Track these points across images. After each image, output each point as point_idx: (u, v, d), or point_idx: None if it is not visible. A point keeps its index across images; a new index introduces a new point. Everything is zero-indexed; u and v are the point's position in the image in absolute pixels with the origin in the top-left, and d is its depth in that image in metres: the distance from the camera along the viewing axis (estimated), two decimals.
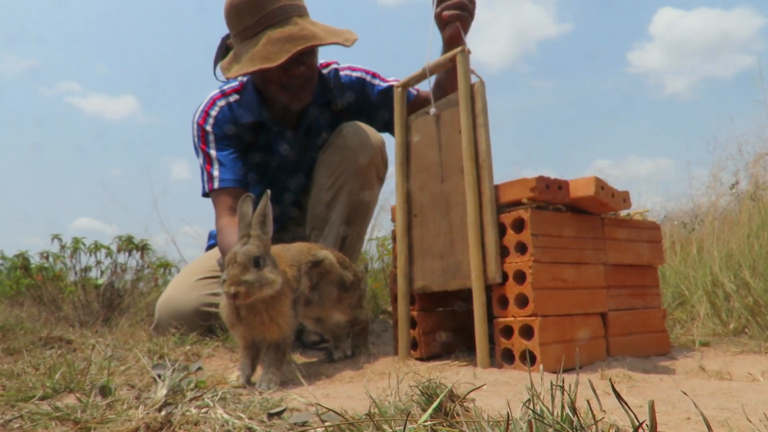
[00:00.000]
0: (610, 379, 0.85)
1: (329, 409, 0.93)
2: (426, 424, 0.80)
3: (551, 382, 0.74)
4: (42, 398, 1.18)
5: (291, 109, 2.18)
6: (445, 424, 0.81)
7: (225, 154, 2.19)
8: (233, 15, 2.04)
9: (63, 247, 3.67)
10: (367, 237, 3.73)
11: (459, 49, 1.69)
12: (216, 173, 2.17)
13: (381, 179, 2.27)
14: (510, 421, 0.71)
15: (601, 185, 1.59)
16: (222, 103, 2.24)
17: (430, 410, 0.82)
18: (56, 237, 3.69)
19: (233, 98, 2.25)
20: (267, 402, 1.08)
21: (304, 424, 0.95)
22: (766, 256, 2.40)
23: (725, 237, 2.81)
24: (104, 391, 1.15)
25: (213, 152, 2.19)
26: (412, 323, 1.80)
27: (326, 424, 0.89)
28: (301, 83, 2.09)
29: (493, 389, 1.23)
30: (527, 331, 1.52)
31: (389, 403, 0.94)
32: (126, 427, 0.92)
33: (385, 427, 0.80)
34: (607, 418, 0.82)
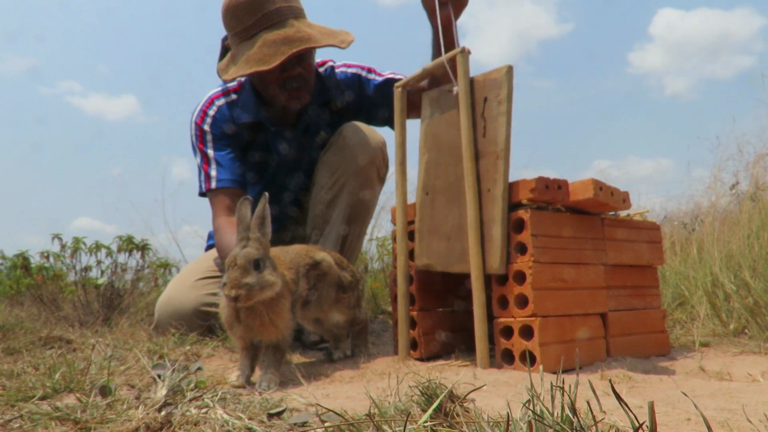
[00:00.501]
0: (610, 380, 0.85)
1: (329, 410, 0.93)
2: (426, 424, 0.80)
3: (551, 383, 0.74)
4: (42, 398, 1.18)
5: (289, 109, 2.18)
6: (445, 425, 0.81)
7: (223, 154, 2.19)
8: (230, 17, 2.04)
9: (63, 246, 3.67)
10: (367, 237, 3.73)
11: (459, 49, 1.69)
12: (213, 173, 2.17)
13: (381, 179, 2.27)
14: (510, 422, 0.71)
15: (599, 186, 1.59)
16: (220, 102, 2.24)
17: (430, 411, 0.82)
18: (56, 237, 3.69)
19: (232, 98, 2.25)
20: (267, 402, 1.08)
21: (303, 424, 0.95)
22: (766, 257, 2.40)
23: (725, 237, 2.81)
24: (104, 391, 1.15)
25: (211, 152, 2.19)
26: (412, 323, 1.80)
27: (326, 424, 0.89)
28: (299, 84, 2.10)
29: (493, 390, 1.23)
30: (527, 332, 1.52)
31: (389, 403, 0.94)
32: (126, 427, 0.92)
33: (385, 427, 0.80)
34: (607, 419, 0.82)
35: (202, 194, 2.23)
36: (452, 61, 1.72)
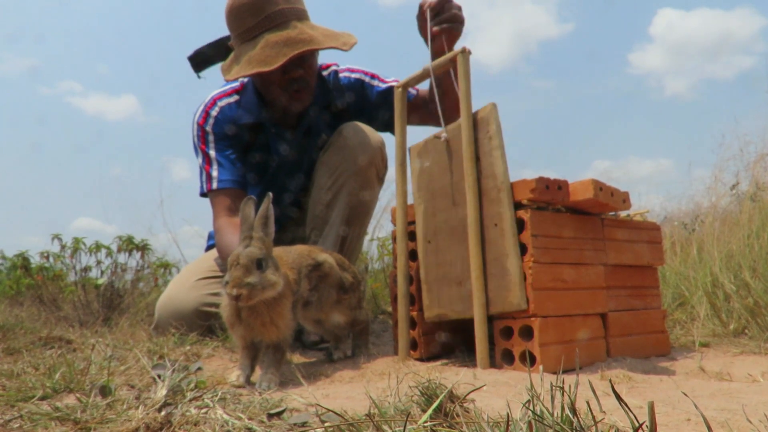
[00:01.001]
0: (610, 380, 0.84)
1: (329, 410, 0.93)
2: (426, 424, 0.80)
3: (551, 383, 0.74)
4: (42, 398, 1.18)
5: (291, 111, 2.19)
6: (444, 425, 0.81)
7: (224, 154, 2.19)
8: (233, 17, 2.05)
9: (63, 247, 3.67)
10: (368, 237, 3.73)
11: (460, 49, 1.69)
12: (215, 173, 2.17)
13: (381, 180, 2.27)
14: (510, 422, 0.71)
15: (599, 186, 1.59)
16: (222, 103, 2.24)
17: (429, 411, 0.82)
18: (56, 237, 3.69)
19: (233, 98, 2.25)
20: (267, 402, 1.08)
21: (303, 424, 0.95)
22: (766, 257, 2.40)
23: (725, 238, 2.81)
24: (104, 391, 1.15)
25: (212, 152, 2.20)
26: (412, 324, 1.80)
27: (326, 424, 0.89)
28: (301, 86, 2.10)
29: (493, 390, 1.23)
30: (527, 332, 1.52)
31: (389, 403, 0.94)
32: (126, 427, 0.92)
33: (385, 427, 0.80)
34: (607, 419, 0.82)
35: (203, 194, 2.23)
36: (453, 62, 1.72)
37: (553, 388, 0.73)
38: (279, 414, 1.02)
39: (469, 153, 1.62)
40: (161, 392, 1.08)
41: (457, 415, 0.83)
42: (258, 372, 1.49)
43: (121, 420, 0.96)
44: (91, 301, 3.03)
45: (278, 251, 1.60)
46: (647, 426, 0.63)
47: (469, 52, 1.70)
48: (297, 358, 1.99)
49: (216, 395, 1.10)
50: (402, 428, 0.76)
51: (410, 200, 1.87)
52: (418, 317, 1.79)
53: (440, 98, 1.86)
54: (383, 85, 2.30)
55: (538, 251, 1.53)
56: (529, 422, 0.69)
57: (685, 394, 1.05)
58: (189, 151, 2.31)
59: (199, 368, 1.58)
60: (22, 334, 2.02)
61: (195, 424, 0.93)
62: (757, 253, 2.47)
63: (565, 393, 0.71)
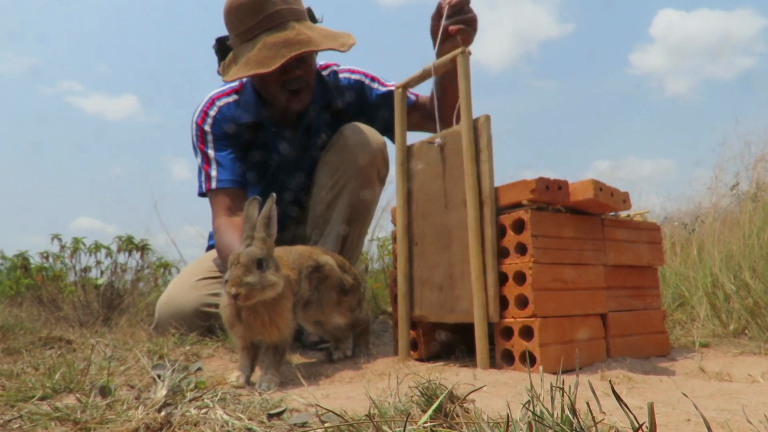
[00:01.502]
0: (609, 381, 0.84)
1: (329, 410, 0.93)
2: (426, 425, 0.80)
3: (551, 384, 0.74)
4: (42, 398, 1.18)
5: (290, 111, 2.19)
6: (444, 425, 0.81)
7: (223, 154, 2.19)
8: (231, 18, 2.05)
9: (63, 247, 3.67)
10: (368, 237, 3.73)
11: (459, 50, 1.69)
12: (214, 173, 2.17)
13: (382, 180, 2.28)
14: (510, 423, 0.71)
15: (599, 187, 1.59)
16: (221, 103, 2.24)
17: (429, 411, 0.82)
18: (56, 237, 3.69)
19: (232, 98, 2.25)
20: (267, 403, 1.08)
21: (303, 424, 0.95)
22: (766, 258, 2.40)
23: (725, 238, 2.81)
24: (104, 391, 1.15)
25: (211, 152, 2.20)
26: (412, 324, 1.80)
27: (326, 425, 0.89)
28: (299, 87, 2.10)
29: (493, 390, 1.23)
30: (527, 332, 1.52)
31: (389, 404, 0.94)
32: (126, 427, 0.92)
33: (385, 428, 0.80)
34: (606, 420, 0.82)
35: (202, 194, 2.23)
36: (453, 62, 1.72)
37: (553, 388, 0.73)
38: (279, 414, 1.02)
39: (469, 153, 1.62)
40: (161, 392, 1.08)
41: (457, 416, 0.83)
42: (258, 372, 1.49)
43: (121, 420, 0.96)
44: (90, 302, 3.03)
45: (279, 252, 1.60)
46: (647, 426, 0.63)
47: (469, 53, 1.70)
48: (297, 358, 1.99)
49: (216, 395, 1.10)
50: (402, 429, 0.76)
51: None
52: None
53: (440, 99, 1.86)
54: (383, 89, 2.30)
55: (538, 251, 1.53)
56: (529, 423, 0.69)
57: (685, 395, 1.05)
58: (189, 150, 2.31)
59: (199, 368, 1.58)
60: (22, 335, 2.02)
61: (195, 425, 0.93)
62: (757, 253, 2.47)
63: (564, 393, 0.71)
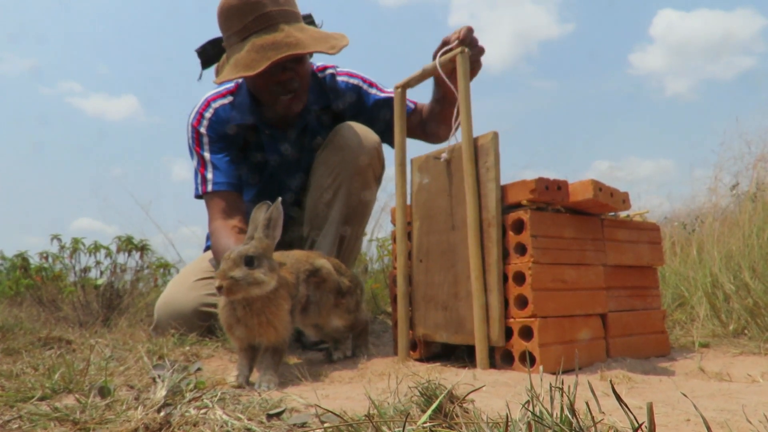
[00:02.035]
0: (609, 381, 0.84)
1: (328, 410, 0.93)
2: (425, 425, 0.79)
3: (550, 384, 0.74)
4: (41, 399, 1.18)
5: (282, 114, 2.18)
6: (444, 426, 0.81)
7: (219, 157, 2.19)
8: (223, 19, 2.05)
9: (62, 247, 3.67)
10: (367, 238, 3.73)
11: (459, 50, 1.70)
12: (209, 176, 2.17)
13: (378, 179, 2.27)
14: (509, 423, 0.71)
15: (599, 187, 1.59)
16: (216, 104, 2.24)
17: (429, 411, 0.82)
18: (56, 237, 3.69)
19: (228, 100, 2.25)
20: (266, 403, 1.08)
21: (303, 425, 0.95)
22: (766, 258, 2.40)
23: (725, 238, 2.81)
24: (103, 391, 1.15)
25: (207, 155, 2.19)
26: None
27: (325, 425, 0.89)
28: (291, 89, 2.08)
29: (493, 390, 1.23)
30: (527, 332, 1.52)
31: (388, 404, 0.94)
32: (125, 427, 0.92)
33: (384, 428, 0.80)
34: (606, 420, 0.82)
35: (198, 197, 2.23)
36: (452, 63, 1.72)
37: (553, 388, 0.73)
38: (278, 414, 1.02)
39: (468, 154, 1.62)
40: (160, 393, 1.08)
41: (457, 416, 0.83)
42: (256, 373, 1.49)
43: (120, 420, 0.96)
44: (90, 302, 3.03)
45: (276, 255, 1.60)
46: (646, 426, 0.63)
47: (469, 53, 1.70)
48: (297, 359, 1.99)
49: (215, 396, 1.10)
50: (401, 429, 0.76)
51: (410, 201, 1.87)
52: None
53: (440, 100, 1.85)
54: (381, 95, 2.29)
55: (538, 251, 1.53)
56: (529, 423, 0.69)
57: (685, 395, 1.05)
58: (188, 152, 2.31)
59: (199, 369, 1.58)
60: (22, 335, 2.01)
61: (194, 425, 0.93)
62: (757, 253, 2.47)
63: (564, 394, 0.71)
